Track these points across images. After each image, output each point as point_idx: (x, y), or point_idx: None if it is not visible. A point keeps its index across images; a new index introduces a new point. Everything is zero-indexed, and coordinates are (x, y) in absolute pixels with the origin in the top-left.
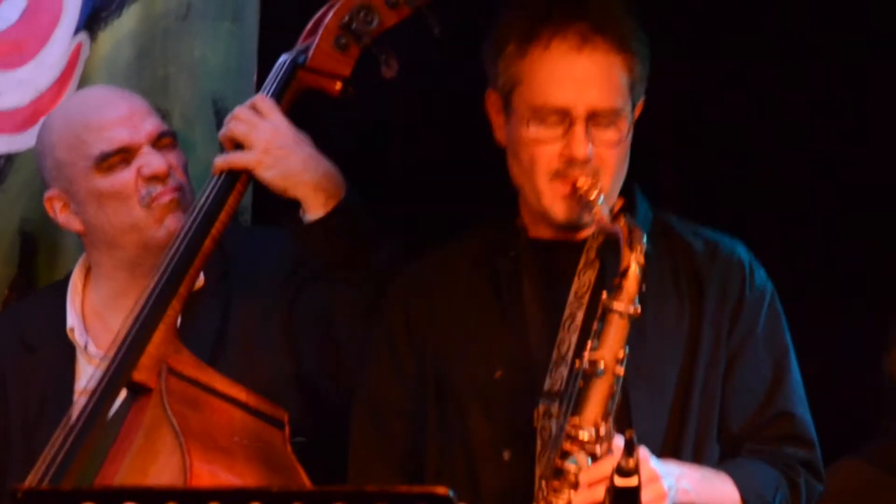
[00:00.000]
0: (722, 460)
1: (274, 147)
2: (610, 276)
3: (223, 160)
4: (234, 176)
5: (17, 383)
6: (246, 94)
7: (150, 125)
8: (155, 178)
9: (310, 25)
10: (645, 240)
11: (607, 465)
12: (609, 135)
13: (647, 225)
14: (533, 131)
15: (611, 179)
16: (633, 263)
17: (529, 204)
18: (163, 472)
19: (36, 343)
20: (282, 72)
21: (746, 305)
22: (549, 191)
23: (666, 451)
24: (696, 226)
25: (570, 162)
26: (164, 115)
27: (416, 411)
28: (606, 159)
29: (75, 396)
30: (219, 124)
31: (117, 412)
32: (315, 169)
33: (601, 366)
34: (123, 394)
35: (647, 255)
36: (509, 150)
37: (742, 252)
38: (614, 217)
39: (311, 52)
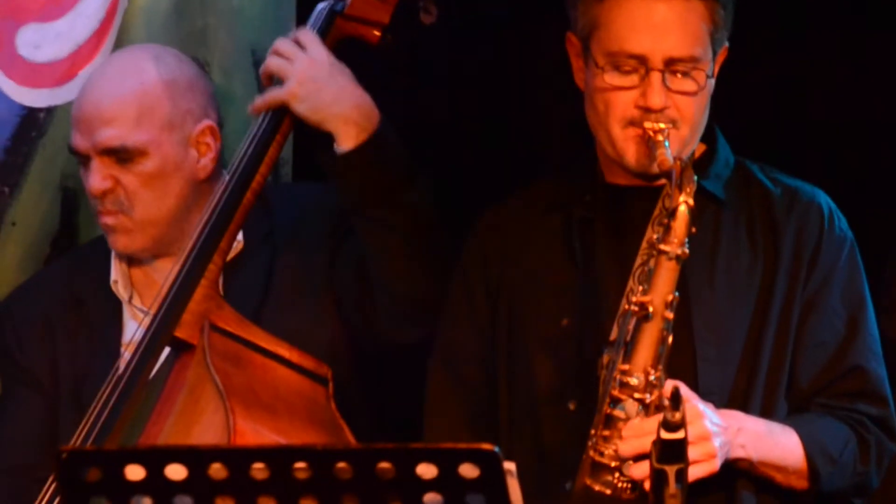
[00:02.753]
0: (790, 415)
1: (307, 79)
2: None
3: (261, 99)
4: (273, 128)
5: (66, 335)
6: None
7: (103, 137)
8: (92, 195)
9: None
10: (696, 180)
11: (653, 423)
12: (687, 84)
13: (727, 172)
14: (609, 78)
15: (689, 128)
16: (682, 204)
17: (604, 150)
18: (207, 431)
19: (84, 296)
20: (320, 20)
21: (823, 254)
22: (622, 137)
23: (733, 405)
24: (778, 172)
25: (645, 110)
26: (203, 65)
27: (490, 358)
28: (684, 108)
29: (122, 349)
30: (257, 75)
31: (160, 371)
32: (347, 101)
33: (650, 309)
34: (166, 353)
35: (723, 204)
36: (586, 95)
37: (822, 199)
38: (675, 159)
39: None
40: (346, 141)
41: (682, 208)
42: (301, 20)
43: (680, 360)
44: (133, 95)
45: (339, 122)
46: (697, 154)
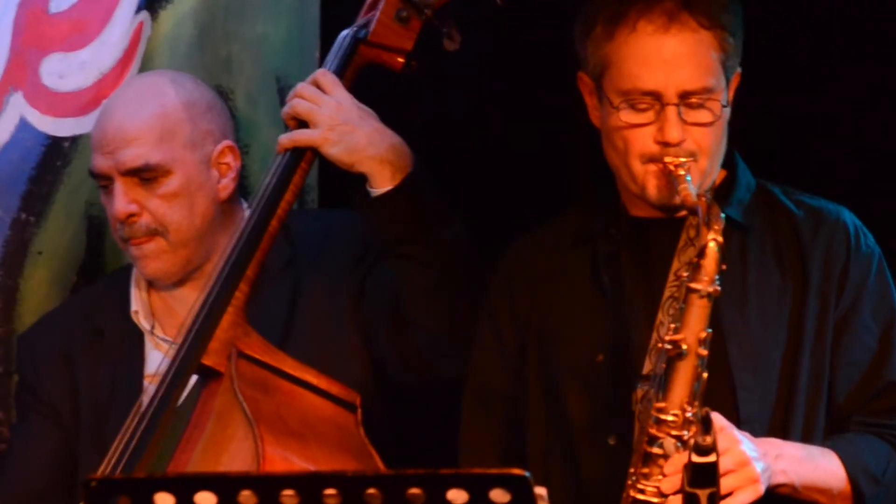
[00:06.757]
0: (829, 436)
1: (338, 123)
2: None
3: (288, 139)
4: (298, 155)
5: (86, 368)
6: (308, 70)
7: (126, 157)
8: (117, 220)
9: None
10: (723, 217)
11: None
12: (702, 115)
13: (748, 196)
14: (625, 116)
15: (708, 159)
16: (712, 242)
17: (626, 185)
18: (235, 458)
19: (104, 328)
20: (343, 47)
21: (852, 272)
22: (642, 173)
23: (774, 432)
24: (800, 194)
25: (664, 145)
26: (227, 93)
27: (519, 394)
28: (701, 140)
29: (145, 381)
30: (282, 102)
31: (188, 398)
32: (381, 143)
33: (683, 347)
34: (194, 380)
35: (748, 230)
36: (603, 133)
37: (847, 217)
38: (698, 195)
39: (372, 27)
40: (382, 182)
41: (712, 245)
42: (325, 47)
43: (718, 390)
44: (154, 116)
45: (374, 164)
46: (718, 181)
